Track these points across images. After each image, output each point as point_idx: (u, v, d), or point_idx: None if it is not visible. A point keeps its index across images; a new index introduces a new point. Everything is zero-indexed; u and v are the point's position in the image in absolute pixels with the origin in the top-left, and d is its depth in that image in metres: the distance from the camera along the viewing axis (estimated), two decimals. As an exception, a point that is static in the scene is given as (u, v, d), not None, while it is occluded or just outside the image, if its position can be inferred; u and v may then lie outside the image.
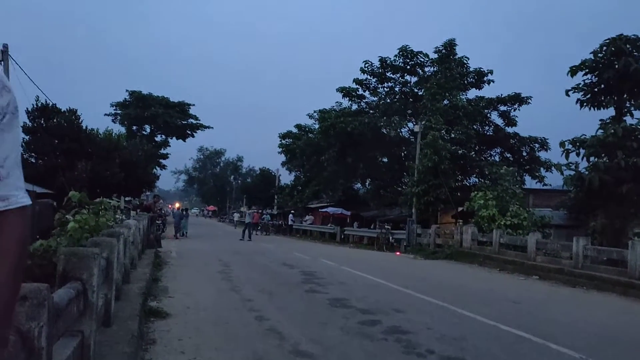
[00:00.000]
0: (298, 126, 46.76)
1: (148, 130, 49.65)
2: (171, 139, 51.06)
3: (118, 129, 43.57)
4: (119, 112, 48.18)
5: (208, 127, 53.35)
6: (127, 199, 33.27)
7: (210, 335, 6.09)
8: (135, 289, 7.82)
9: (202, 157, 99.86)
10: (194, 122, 51.78)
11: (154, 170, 42.78)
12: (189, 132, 51.90)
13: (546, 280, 13.46)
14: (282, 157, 50.19)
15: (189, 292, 9.18)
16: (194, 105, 51.35)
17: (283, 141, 46.61)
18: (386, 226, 27.36)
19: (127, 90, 48.46)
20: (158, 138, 50.35)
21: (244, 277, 11.64)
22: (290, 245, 25.33)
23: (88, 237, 8.03)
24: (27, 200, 1.36)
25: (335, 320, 7.17)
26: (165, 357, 5.14)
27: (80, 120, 24.56)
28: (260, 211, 43.43)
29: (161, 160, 49.49)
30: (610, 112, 17.39)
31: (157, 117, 47.35)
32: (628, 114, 17.00)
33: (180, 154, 76.45)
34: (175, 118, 48.47)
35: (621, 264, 12.48)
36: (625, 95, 17.05)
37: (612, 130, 15.50)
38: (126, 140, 33.01)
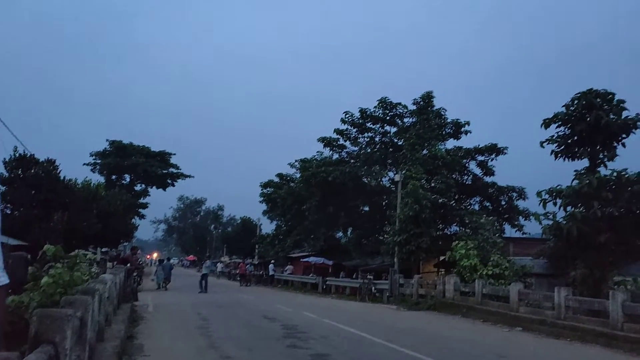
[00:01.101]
0: (279, 175, 46.88)
1: (128, 179, 49.26)
2: (151, 188, 50.67)
3: (97, 178, 43.17)
4: (99, 161, 47.85)
5: (189, 176, 53.22)
6: (103, 249, 32.57)
7: (187, 398, 5.83)
8: (109, 348, 7.52)
9: (182, 206, 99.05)
10: (175, 171, 51.63)
11: (133, 220, 42.13)
12: (169, 181, 51.63)
13: (530, 332, 13.35)
14: (264, 206, 50.03)
15: (165, 349, 8.86)
16: (174, 154, 51.40)
17: (264, 190, 46.57)
18: (368, 276, 27.11)
19: (107, 140, 48.40)
20: (138, 187, 49.92)
21: (223, 332, 11.31)
22: (272, 297, 24.85)
23: (62, 293, 7.78)
24: (6, 280, 1.38)
25: (318, 378, 6.95)
26: (139, 423, 4.88)
27: (59, 171, 24.27)
28: (245, 262, 42.78)
29: (140, 210, 48.87)
30: (585, 162, 17.82)
31: (137, 166, 47.12)
32: (602, 165, 17.45)
33: (160, 203, 75.95)
34: (155, 167, 48.30)
35: (603, 314, 12.47)
36: (598, 147, 17.53)
37: (587, 181, 15.82)
38: (105, 190, 32.61)
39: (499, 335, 12.87)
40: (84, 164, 47.76)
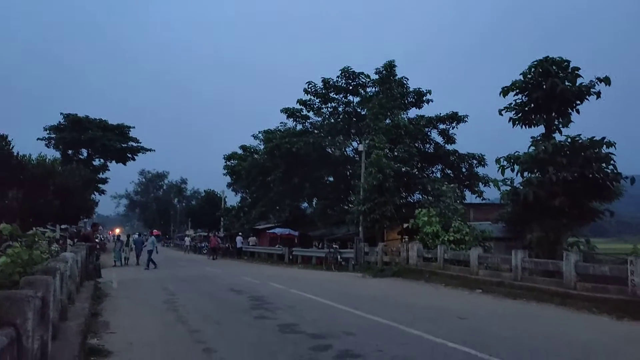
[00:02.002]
0: (243, 147, 46.47)
1: (85, 154, 47.74)
2: (110, 162, 49.32)
3: (52, 154, 41.65)
4: (53, 136, 46.08)
5: (149, 150, 51.99)
6: (63, 227, 31.69)
7: (156, 372, 5.85)
8: (74, 326, 7.41)
9: (143, 180, 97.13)
10: (135, 144, 50.31)
11: (93, 195, 41.06)
12: (130, 156, 50.33)
13: (489, 294, 13.89)
14: (228, 179, 49.63)
15: (132, 326, 8.80)
16: (133, 127, 49.97)
17: (228, 162, 46.14)
18: (334, 245, 27.49)
19: (61, 114, 46.55)
20: (96, 162, 48.51)
21: (190, 306, 11.30)
22: (239, 269, 24.91)
23: (21, 272, 7.57)
24: None
25: (286, 347, 7.07)
26: (107, 399, 4.87)
27: (11, 147, 23.26)
28: (215, 234, 42.44)
29: (100, 185, 47.62)
30: (541, 129, 18.37)
31: (94, 141, 45.65)
32: (557, 131, 18.02)
33: (121, 178, 74.11)
34: (114, 141, 46.92)
35: (557, 274, 13.09)
36: (553, 114, 18.06)
37: (543, 147, 16.36)
38: (61, 166, 31.53)
39: (460, 298, 13.34)
40: (38, 139, 45.97)
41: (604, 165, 15.89)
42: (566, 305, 11.50)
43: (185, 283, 16.97)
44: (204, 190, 73.87)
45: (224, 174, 46.81)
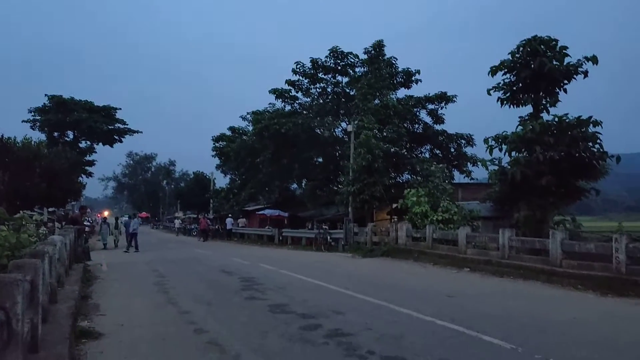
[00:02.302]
0: (231, 129, 46.16)
1: (71, 136, 47.08)
2: (97, 144, 48.69)
3: (38, 136, 41.01)
4: (38, 118, 45.34)
5: (137, 132, 51.33)
6: (50, 210, 31.43)
7: (147, 354, 5.88)
8: (64, 309, 7.41)
9: (131, 162, 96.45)
10: (121, 126, 49.68)
11: (80, 178, 40.65)
12: (117, 138, 49.73)
13: (477, 272, 14.09)
14: (217, 161, 49.40)
15: (122, 308, 8.82)
16: (120, 109, 49.27)
17: (216, 144, 45.85)
18: (324, 226, 27.61)
19: (46, 95, 45.72)
20: (82, 144, 47.85)
21: (181, 287, 11.33)
22: (229, 250, 24.97)
23: (9, 256, 7.53)
24: None
25: (276, 327, 7.14)
26: (99, 381, 4.90)
27: (-5, 129, 22.88)
28: (205, 216, 42.29)
29: (87, 168, 47.07)
30: (529, 109, 18.46)
31: (80, 123, 44.98)
32: (544, 111, 18.12)
33: (108, 160, 73.36)
34: (100, 123, 46.24)
35: (544, 252, 13.29)
36: (541, 93, 18.13)
37: (531, 127, 16.45)
38: (47, 148, 31.12)
39: (448, 277, 13.52)
40: (23, 121, 45.19)
41: (590, 144, 16.03)
42: (552, 283, 11.71)
43: (175, 265, 16.99)
44: (193, 172, 73.59)
45: (212, 156, 46.60)
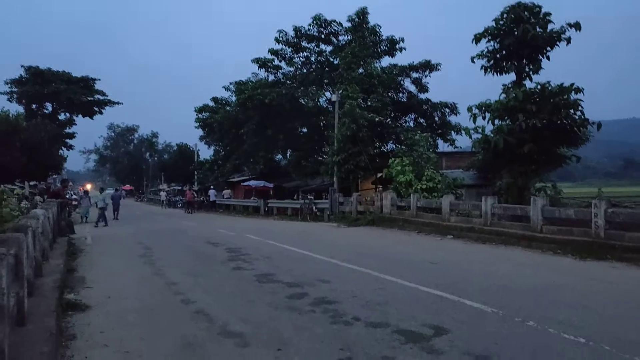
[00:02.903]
0: (214, 99, 45.50)
1: (50, 108, 46.06)
2: (77, 116, 47.72)
3: (15, 109, 40.08)
4: (15, 90, 44.17)
5: (117, 103, 50.36)
6: (32, 184, 31.02)
7: (135, 324, 5.92)
8: (50, 282, 7.41)
9: (113, 134, 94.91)
10: (101, 97, 48.67)
11: (60, 151, 40.02)
12: (96, 109, 48.76)
13: (460, 239, 14.35)
14: (200, 132, 48.84)
15: (108, 280, 8.83)
16: (99, 79, 48.18)
17: (199, 115, 45.18)
18: (309, 196, 27.72)
19: (22, 66, 44.43)
20: (62, 117, 46.90)
21: (167, 259, 11.36)
22: (214, 222, 25.00)
23: (-9, 231, 7.45)
24: None
25: (263, 296, 7.23)
26: (87, 352, 4.94)
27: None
28: (190, 188, 42.00)
29: (67, 141, 46.28)
30: (512, 77, 18.50)
31: (59, 94, 43.94)
32: (527, 79, 18.17)
33: (89, 133, 72.12)
34: (79, 94, 45.22)
35: (525, 219, 13.54)
36: (524, 61, 18.15)
37: (514, 95, 16.51)
38: (26, 121, 30.47)
39: (432, 244, 13.75)
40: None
41: (572, 111, 16.17)
42: (533, 248, 11.99)
43: (161, 237, 16.98)
44: (176, 144, 72.78)
45: (195, 127, 45.91)
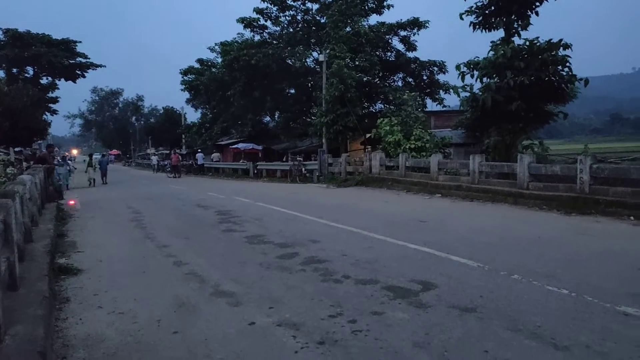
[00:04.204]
0: (200, 61, 44.71)
1: (31, 72, 44.98)
2: (59, 80, 46.69)
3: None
4: (-6, 53, 42.92)
5: (100, 66, 49.23)
6: (17, 149, 30.60)
7: (128, 286, 5.99)
8: (40, 247, 7.41)
9: (97, 98, 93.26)
10: (83, 60, 47.53)
11: (44, 116, 39.32)
12: (79, 72, 47.68)
13: (448, 197, 14.52)
14: (186, 95, 48.17)
15: (99, 244, 8.86)
16: (80, 42, 46.90)
17: (185, 77, 44.46)
18: (298, 158, 27.71)
19: (0, 29, 43.07)
20: (44, 81, 45.87)
21: (157, 223, 11.39)
22: (203, 185, 24.98)
23: (-23, 198, 7.38)
24: None
25: (254, 257, 7.32)
26: (82, 314, 5.01)
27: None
28: (175, 151, 41.61)
29: (51, 105, 45.43)
30: (501, 33, 18.30)
31: (39, 57, 42.82)
32: (516, 35, 17.98)
33: (73, 97, 70.68)
34: (60, 57, 44.10)
35: (511, 176, 13.71)
36: (513, 17, 17.92)
37: (502, 52, 16.37)
38: (7, 86, 29.79)
39: (421, 203, 13.90)
40: (-22, 57, 42.76)
41: (560, 67, 16.12)
42: (519, 205, 12.19)
43: (150, 201, 16.97)
44: (163, 108, 71.71)
45: (181, 90, 45.24)
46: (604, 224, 9.45)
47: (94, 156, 31.20)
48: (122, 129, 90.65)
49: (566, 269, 6.07)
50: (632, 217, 9.73)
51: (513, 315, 4.50)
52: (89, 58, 47.79)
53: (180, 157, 40.54)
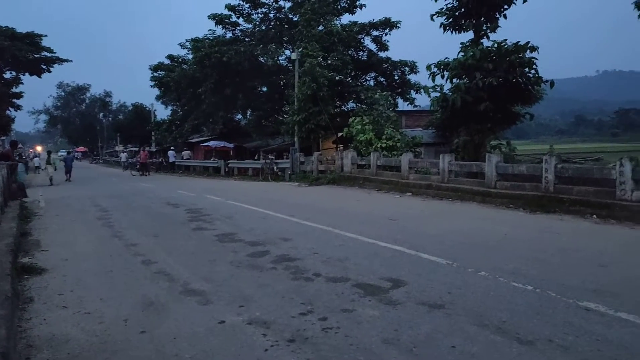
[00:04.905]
0: (170, 57, 44.03)
1: (-7, 66, 43.48)
2: (23, 75, 45.22)
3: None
4: (-47, 47, 41.28)
5: (66, 60, 47.83)
6: (-22, 146, 29.61)
7: (94, 285, 5.86)
8: (2, 246, 7.19)
9: (63, 94, 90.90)
10: (49, 55, 46.17)
11: (7, 111, 38.11)
12: (44, 67, 46.28)
13: (418, 196, 14.70)
14: (156, 91, 47.41)
15: (65, 243, 8.64)
16: (45, 36, 45.52)
17: (155, 74, 43.71)
18: (270, 156, 27.61)
19: (-41, 21, 41.51)
20: (7, 75, 44.37)
21: (125, 221, 11.19)
22: (173, 183, 24.64)
23: None
24: None
25: (225, 255, 7.26)
26: (46, 314, 4.88)
27: None
28: (144, 149, 40.80)
29: (15, 100, 44.02)
30: (470, 35, 18.60)
31: (3, 51, 41.30)
32: (485, 37, 18.32)
33: (38, 92, 68.72)
34: (25, 51, 42.72)
35: (480, 175, 13.97)
36: (482, 19, 18.24)
37: (471, 53, 16.66)
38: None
39: (391, 201, 14.04)
40: (-64, 52, 41.04)
41: (526, 69, 16.48)
42: (487, 203, 12.44)
43: (118, 199, 16.64)
44: (132, 104, 70.40)
45: (151, 86, 44.49)
46: (567, 222, 9.73)
47: (59, 153, 30.58)
48: (89, 125, 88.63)
49: (531, 265, 6.23)
50: (594, 216, 10.04)
51: (480, 311, 4.59)
52: (55, 52, 46.46)
53: (149, 154, 39.83)
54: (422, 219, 10.42)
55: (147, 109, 58.53)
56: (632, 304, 4.72)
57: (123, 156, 52.07)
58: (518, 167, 13.22)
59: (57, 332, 4.38)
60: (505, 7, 17.96)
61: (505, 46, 16.42)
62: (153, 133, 50.92)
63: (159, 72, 43.43)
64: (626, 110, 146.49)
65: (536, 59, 16.39)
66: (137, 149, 57.64)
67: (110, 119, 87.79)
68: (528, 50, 16.32)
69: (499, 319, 4.37)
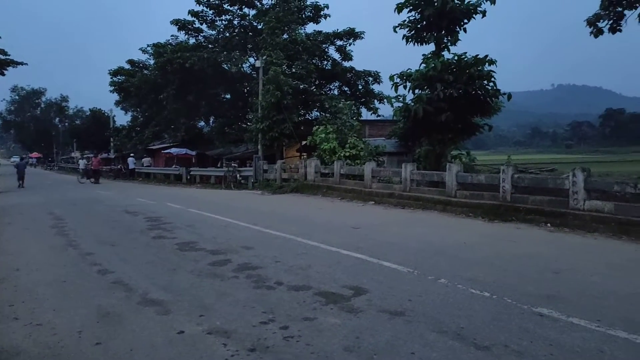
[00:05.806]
0: (131, 62, 43.17)
1: (-57, 68, 41.55)
2: (-25, 78, 43.43)
3: None
4: None
5: (21, 63, 46.21)
6: None
7: (47, 296, 5.65)
8: (-53, 257, 6.84)
9: (17, 98, 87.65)
10: (2, 57, 44.53)
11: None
12: (-3, 70, 44.56)
13: (381, 205, 14.85)
14: (115, 96, 46.32)
15: (16, 252, 8.30)
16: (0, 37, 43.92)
17: (114, 78, 42.73)
18: (233, 164, 27.36)
19: None
20: (-43, 78, 42.51)
21: (81, 230, 10.84)
22: (132, 191, 24.06)
23: None
24: None
25: (185, 264, 7.13)
26: (-6, 327, 4.66)
27: None
28: (97, 155, 39.67)
29: (-35, 104, 42.24)
30: (432, 47, 19.02)
31: (-48, 53, 39.71)
32: (446, 49, 18.76)
33: (-11, 96, 66.08)
34: (-23, 53, 41.08)
35: (441, 184, 14.24)
36: (443, 32, 18.70)
37: (433, 65, 17.03)
38: None
39: (354, 210, 14.13)
40: None
41: (485, 82, 16.96)
42: (447, 212, 12.68)
43: (74, 207, 16.12)
44: (89, 109, 68.45)
45: (110, 91, 43.43)
46: (523, 230, 10.03)
47: (11, 159, 29.66)
48: (44, 130, 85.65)
49: (488, 273, 6.38)
50: (548, 224, 10.38)
51: (439, 318, 4.66)
52: (9, 55, 44.82)
53: (102, 161, 38.83)
54: (384, 228, 10.52)
55: (106, 114, 57.07)
56: (584, 310, 4.89)
57: (82, 163, 50.31)
58: (477, 176, 13.55)
59: (6, 345, 4.20)
60: (465, 21, 18.46)
61: (465, 59, 16.85)
62: (112, 139, 49.68)
63: (119, 77, 42.52)
64: (579, 122, 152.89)
65: (494, 72, 16.88)
66: (93, 156, 56.01)
67: (66, 124, 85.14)
68: (487, 64, 16.80)
69: (457, 325, 4.45)
